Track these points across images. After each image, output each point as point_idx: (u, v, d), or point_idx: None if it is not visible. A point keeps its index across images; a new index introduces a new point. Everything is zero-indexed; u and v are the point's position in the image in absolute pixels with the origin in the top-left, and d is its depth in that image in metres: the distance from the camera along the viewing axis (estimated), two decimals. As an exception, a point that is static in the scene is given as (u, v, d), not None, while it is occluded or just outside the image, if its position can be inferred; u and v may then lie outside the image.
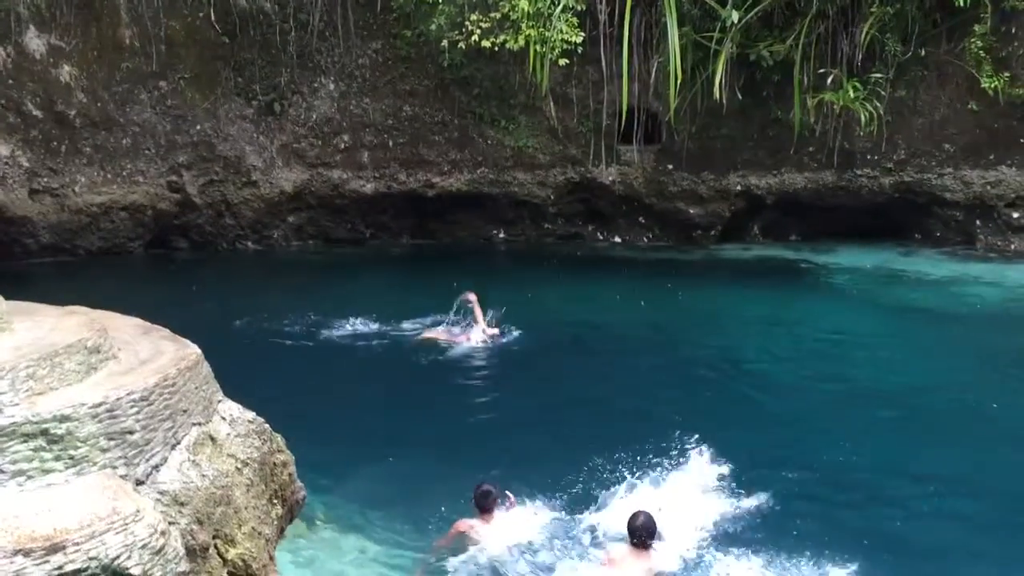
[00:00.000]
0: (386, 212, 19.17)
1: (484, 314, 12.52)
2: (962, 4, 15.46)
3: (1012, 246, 17.06)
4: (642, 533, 6.65)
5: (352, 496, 7.92)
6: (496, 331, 12.47)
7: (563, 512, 7.65)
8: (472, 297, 12.58)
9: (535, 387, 11.15)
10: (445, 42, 16.70)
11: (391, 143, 18.56)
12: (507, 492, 7.49)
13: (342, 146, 18.55)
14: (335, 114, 18.44)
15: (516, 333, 12.60)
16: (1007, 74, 16.09)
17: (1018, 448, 9.10)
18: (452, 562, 7.02)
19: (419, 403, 10.44)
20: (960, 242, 17.51)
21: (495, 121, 18.25)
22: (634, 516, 6.75)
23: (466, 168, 18.56)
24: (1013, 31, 16.26)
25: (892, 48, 16.40)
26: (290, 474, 4.99)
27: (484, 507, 7.32)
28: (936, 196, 17.35)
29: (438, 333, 12.63)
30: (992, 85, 16.03)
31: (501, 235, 19.38)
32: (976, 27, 16.05)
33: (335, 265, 17.92)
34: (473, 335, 12.36)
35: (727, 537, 7.30)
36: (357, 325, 13.03)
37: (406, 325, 13.08)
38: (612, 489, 7.97)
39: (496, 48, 16.34)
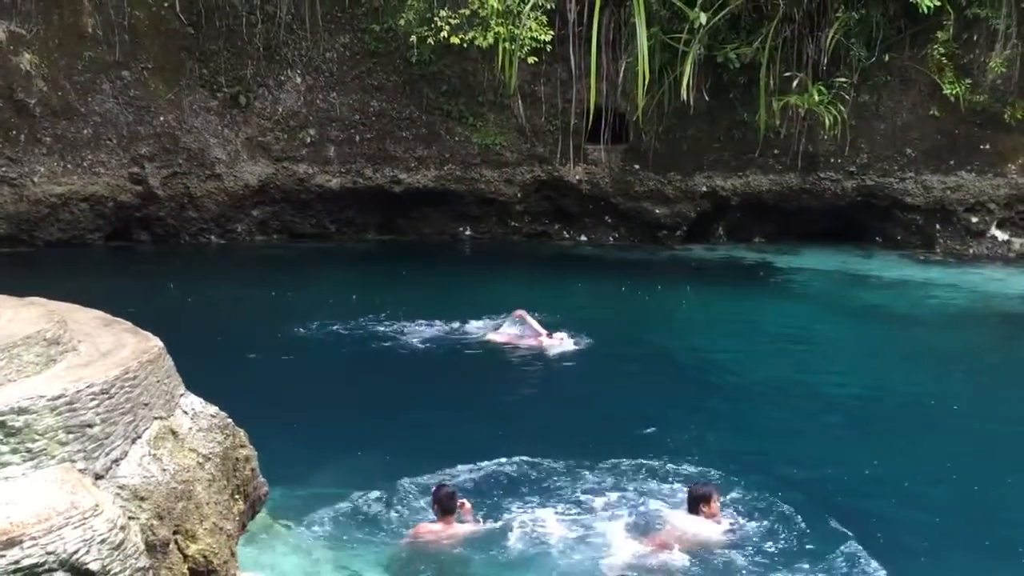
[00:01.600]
0: (352, 207, 19.06)
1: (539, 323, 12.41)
2: (925, 11, 15.70)
3: (970, 250, 17.36)
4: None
5: (316, 492, 7.85)
6: (561, 336, 12.22)
7: (523, 512, 7.59)
8: (521, 313, 12.45)
9: (514, 387, 11.16)
10: (414, 37, 16.65)
11: (358, 138, 18.45)
12: (462, 497, 7.39)
13: (308, 140, 18.41)
14: (301, 108, 18.29)
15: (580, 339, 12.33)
16: (968, 81, 16.37)
17: (977, 448, 9.25)
18: (413, 566, 6.97)
19: (386, 400, 10.37)
20: (920, 246, 17.78)
21: (463, 118, 18.22)
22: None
23: (433, 165, 18.50)
24: (975, 39, 16.55)
25: (857, 53, 16.62)
26: (253, 469, 4.95)
27: (446, 509, 7.17)
28: (897, 200, 17.60)
29: (503, 336, 12.44)
30: (953, 92, 16.29)
31: (467, 232, 19.35)
32: (939, 34, 16.31)
33: (299, 260, 17.79)
34: (542, 341, 12.21)
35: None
36: (322, 321, 12.93)
37: (368, 320, 13.01)
38: (570, 487, 8.00)
39: (465, 45, 16.31)
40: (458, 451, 8.72)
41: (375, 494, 7.82)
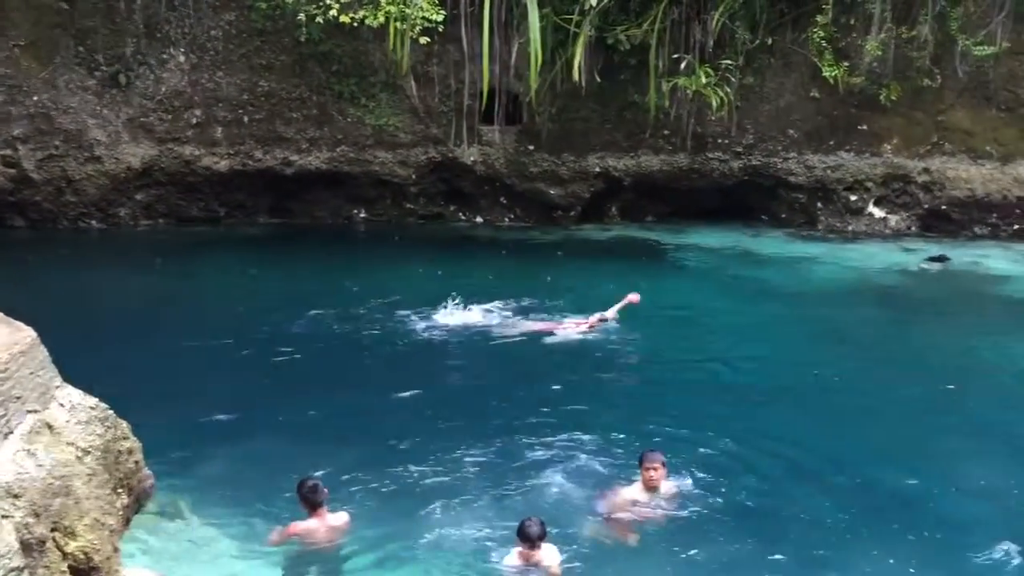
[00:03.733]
0: (241, 190, 18.58)
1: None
2: (806, -5, 16.21)
3: (850, 227, 18.09)
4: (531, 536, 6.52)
5: (206, 485, 7.67)
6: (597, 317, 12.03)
7: (402, 507, 7.57)
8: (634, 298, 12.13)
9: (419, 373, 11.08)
10: (302, 16, 16.28)
11: (246, 119, 17.97)
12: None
13: (194, 121, 17.84)
14: (186, 88, 17.69)
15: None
16: (846, 64, 16.99)
17: (858, 417, 9.66)
18: (293, 563, 6.86)
19: (280, 390, 10.17)
20: (803, 223, 18.43)
21: (355, 98, 17.94)
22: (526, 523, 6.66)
23: (325, 146, 18.19)
24: (852, 22, 17.17)
25: (741, 36, 17.05)
26: (136, 462, 4.79)
27: (313, 502, 6.95)
28: (781, 179, 18.19)
29: (539, 324, 12.23)
30: (832, 74, 16.88)
31: (362, 215, 19.12)
32: (818, 18, 16.87)
33: (185, 245, 17.25)
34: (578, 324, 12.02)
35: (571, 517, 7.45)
36: (209, 307, 12.61)
37: (258, 305, 12.75)
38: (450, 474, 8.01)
39: (356, 24, 16.05)
40: (358, 441, 8.66)
41: (269, 486, 7.69)
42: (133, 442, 4.75)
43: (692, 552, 7.01)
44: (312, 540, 6.97)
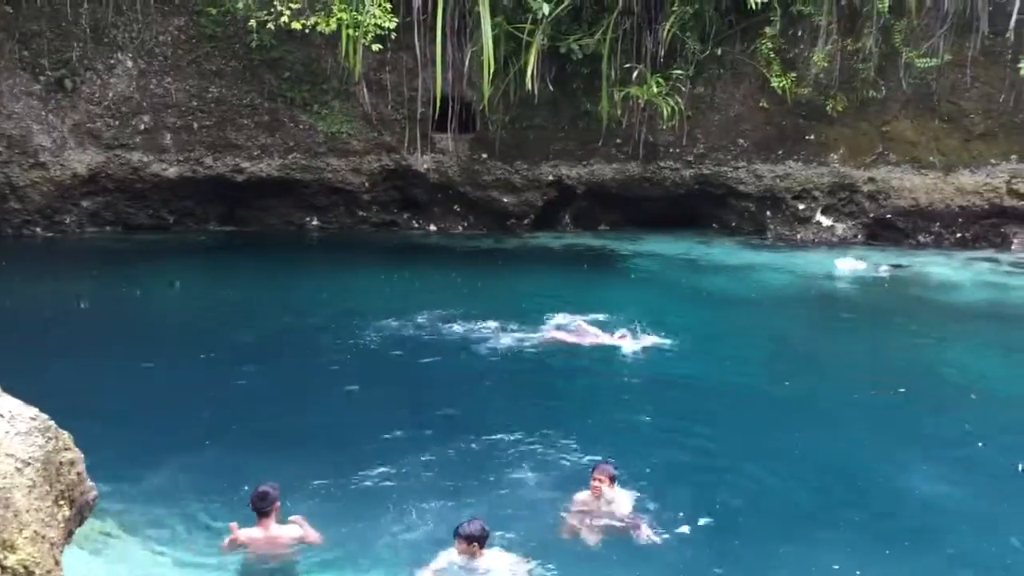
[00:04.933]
0: (191, 197, 18.36)
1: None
2: (754, 7, 16.46)
3: (798, 235, 18.38)
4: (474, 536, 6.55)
5: (151, 496, 7.53)
6: (624, 333, 12.01)
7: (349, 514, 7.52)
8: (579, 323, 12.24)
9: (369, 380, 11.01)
10: (253, 22, 16.16)
11: (196, 125, 17.77)
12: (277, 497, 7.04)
13: (142, 127, 17.59)
14: (134, 93, 17.45)
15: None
16: (793, 74, 17.29)
17: (809, 421, 9.80)
18: (232, 571, 6.77)
19: (226, 401, 10.03)
20: (753, 231, 18.69)
21: (307, 105, 17.84)
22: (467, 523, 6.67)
23: (277, 153, 18.05)
24: (799, 34, 17.49)
25: (692, 46, 17.27)
26: (79, 473, 4.69)
27: (258, 510, 6.87)
28: (731, 188, 18.43)
29: (565, 335, 12.11)
30: (780, 85, 17.17)
31: (314, 222, 18.99)
32: (766, 29, 17.15)
33: (133, 252, 16.98)
34: (600, 337, 12.01)
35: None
36: (156, 316, 12.42)
37: (205, 314, 12.59)
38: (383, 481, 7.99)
39: (307, 30, 15.96)
40: (312, 449, 8.57)
41: (214, 497, 7.57)
42: (75, 453, 4.65)
43: (629, 555, 7.09)
44: (255, 549, 6.91)
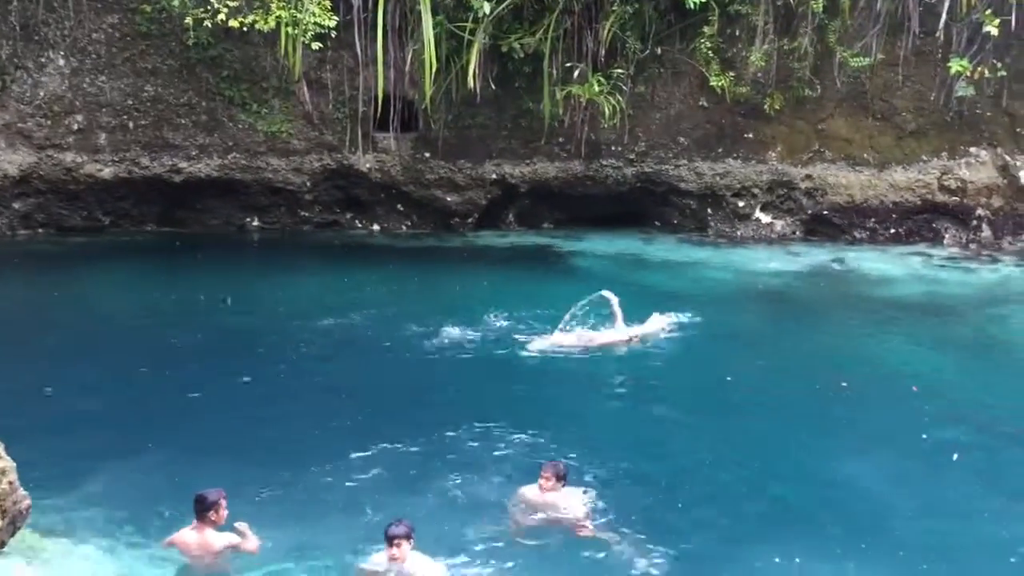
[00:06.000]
0: (128, 199, 17.98)
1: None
2: (693, 7, 16.66)
3: (738, 232, 18.65)
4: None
5: (86, 503, 7.37)
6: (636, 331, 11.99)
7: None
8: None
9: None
10: (189, 19, 15.88)
11: (132, 125, 17.41)
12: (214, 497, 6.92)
13: (75, 127, 17.19)
14: (66, 92, 17.05)
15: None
16: (732, 74, 17.53)
17: (753, 416, 9.94)
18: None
19: (163, 406, 9.85)
20: (694, 229, 18.91)
21: (246, 104, 17.59)
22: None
23: (216, 153, 17.76)
24: (737, 34, 17.74)
25: (632, 46, 17.40)
26: (11, 482, 4.60)
27: (196, 513, 6.78)
28: (673, 186, 18.62)
29: (569, 337, 11.95)
30: (719, 84, 17.39)
31: (255, 223, 18.73)
32: (705, 29, 17.35)
33: (68, 256, 16.57)
34: (609, 335, 11.93)
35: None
36: (94, 320, 12.16)
37: (142, 318, 12.36)
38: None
39: (245, 28, 15.74)
40: (248, 456, 8.45)
41: (151, 503, 7.44)
42: (6, 462, 4.56)
43: (571, 551, 7.14)
44: (186, 552, 6.83)
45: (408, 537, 6.59)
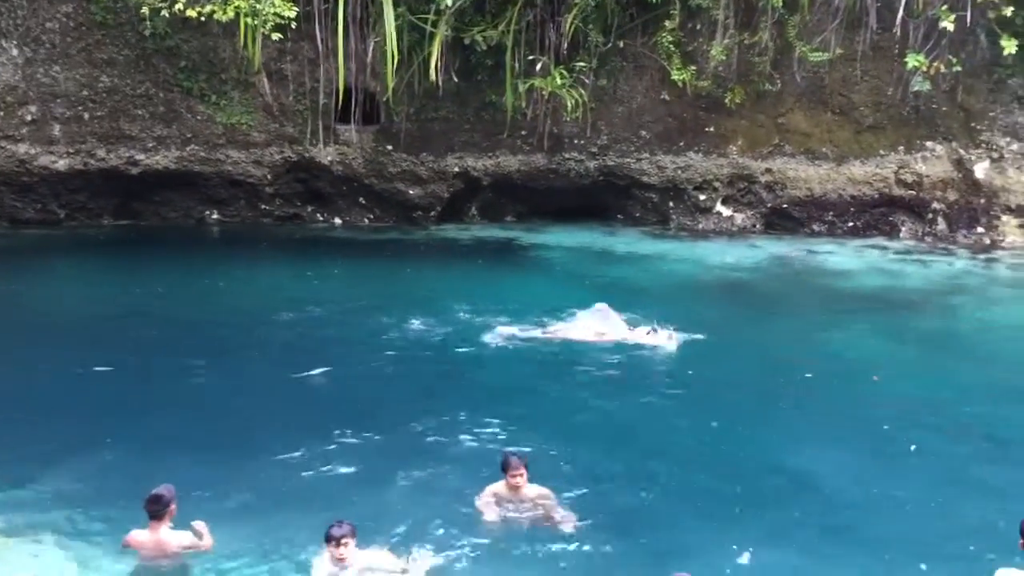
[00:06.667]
0: (83, 191, 17.68)
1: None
2: (654, 1, 16.69)
3: (699, 225, 18.76)
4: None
5: (45, 501, 7.23)
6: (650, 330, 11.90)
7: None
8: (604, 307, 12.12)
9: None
10: (146, 9, 15.63)
11: (87, 116, 17.11)
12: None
13: (29, 118, 16.86)
14: (20, 82, 16.71)
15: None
16: (693, 68, 17.61)
17: (718, 408, 9.98)
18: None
19: (124, 402, 9.69)
20: (656, 222, 18.99)
21: (205, 96, 17.36)
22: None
23: (174, 145, 17.51)
24: (698, 28, 17.81)
25: (594, 39, 17.41)
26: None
27: (152, 513, 6.69)
28: (635, 179, 18.68)
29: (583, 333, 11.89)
30: (681, 78, 17.46)
31: (214, 216, 18.51)
32: (666, 23, 17.41)
33: (20, 249, 16.26)
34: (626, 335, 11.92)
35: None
36: (47, 313, 11.93)
37: (88, 313, 12.13)
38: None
39: (203, 18, 15.51)
40: (207, 454, 8.34)
41: (108, 501, 7.30)
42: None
43: (537, 546, 7.12)
44: (143, 552, 6.74)
45: (352, 536, 6.50)
